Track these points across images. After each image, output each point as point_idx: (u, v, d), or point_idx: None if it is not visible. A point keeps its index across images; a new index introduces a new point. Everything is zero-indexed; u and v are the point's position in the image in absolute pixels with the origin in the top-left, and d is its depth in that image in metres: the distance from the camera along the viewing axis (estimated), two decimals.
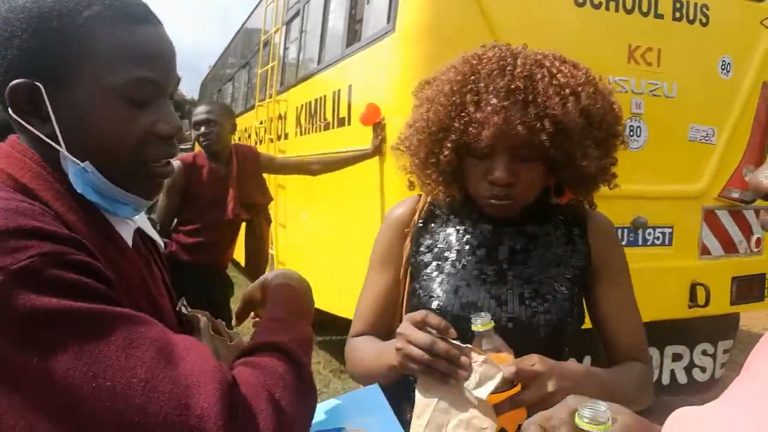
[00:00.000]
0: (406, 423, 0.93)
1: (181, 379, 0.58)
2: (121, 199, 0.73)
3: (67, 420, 0.57)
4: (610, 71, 2.43)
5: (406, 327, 0.93)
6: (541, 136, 0.98)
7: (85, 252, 0.62)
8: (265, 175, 3.26)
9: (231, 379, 0.62)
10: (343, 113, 3.45)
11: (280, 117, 5.06)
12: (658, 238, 3.00)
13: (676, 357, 3.20)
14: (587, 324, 1.18)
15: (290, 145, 4.66)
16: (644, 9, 2.84)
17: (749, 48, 3.13)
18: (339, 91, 3.54)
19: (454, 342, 0.89)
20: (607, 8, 2.74)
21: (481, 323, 0.90)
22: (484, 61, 1.05)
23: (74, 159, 0.69)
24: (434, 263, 1.13)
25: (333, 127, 3.63)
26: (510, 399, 0.87)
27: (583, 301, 1.16)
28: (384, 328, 1.17)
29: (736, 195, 3.07)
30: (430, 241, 1.16)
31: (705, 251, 3.15)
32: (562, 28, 2.60)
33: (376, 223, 2.95)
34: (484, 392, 0.86)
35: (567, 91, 1.00)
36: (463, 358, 0.87)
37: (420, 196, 1.21)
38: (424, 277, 1.13)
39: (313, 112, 4.05)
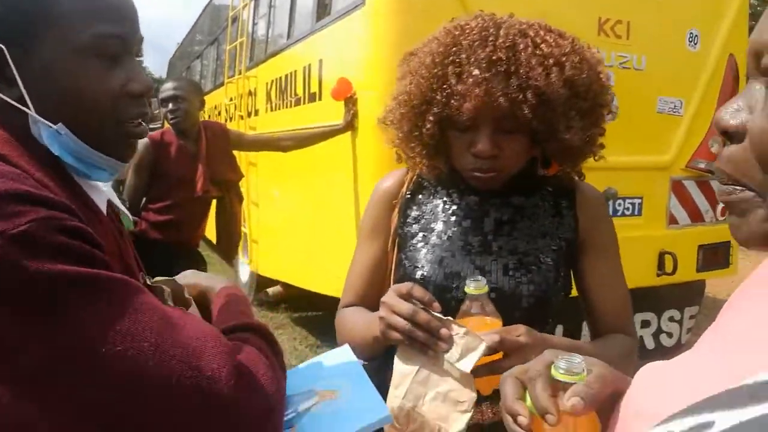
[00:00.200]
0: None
1: (188, 342, 0.60)
2: (97, 163, 0.73)
3: (74, 387, 0.57)
4: None
5: (390, 297, 0.94)
6: (523, 108, 0.96)
7: (76, 218, 0.62)
8: (236, 153, 3.22)
9: (231, 344, 0.65)
10: (314, 88, 3.41)
11: (250, 93, 4.98)
12: (628, 208, 3.06)
13: (645, 323, 3.29)
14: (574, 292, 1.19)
15: (261, 121, 4.60)
16: None
17: (716, 20, 3.17)
18: (309, 66, 3.49)
19: (437, 315, 0.90)
20: None
21: (475, 287, 0.91)
22: (467, 31, 1.03)
23: (46, 122, 0.68)
24: (420, 234, 1.13)
25: (304, 103, 3.59)
26: (489, 365, 0.88)
27: (571, 272, 1.16)
28: (373, 299, 1.16)
29: (702, 165, 3.13)
30: (418, 213, 1.16)
31: (673, 221, 3.22)
32: (533, 1, 2.60)
33: (350, 198, 2.96)
34: (467, 365, 0.86)
35: (551, 61, 0.98)
36: (443, 330, 0.88)
37: (407, 168, 1.20)
38: (410, 248, 1.13)
39: (283, 87, 4.00)
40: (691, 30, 3.09)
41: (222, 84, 5.99)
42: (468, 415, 0.88)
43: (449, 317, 0.90)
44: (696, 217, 3.27)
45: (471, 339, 0.87)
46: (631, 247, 3.34)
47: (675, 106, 3.07)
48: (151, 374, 0.58)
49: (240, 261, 5.55)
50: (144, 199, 2.87)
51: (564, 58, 1.00)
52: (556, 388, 0.59)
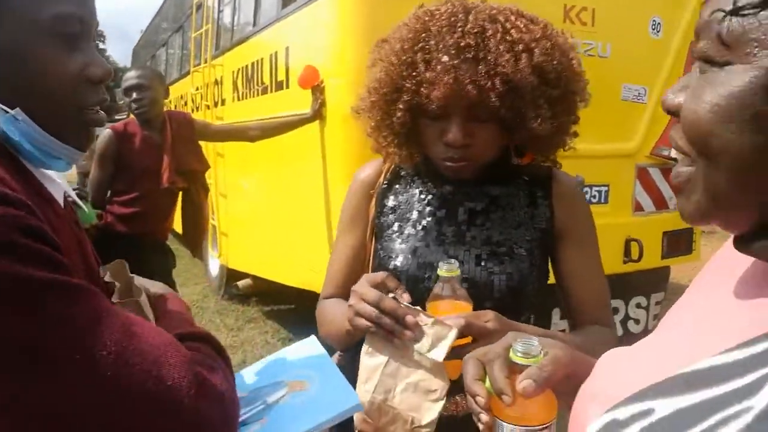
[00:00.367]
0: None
1: (148, 351, 0.59)
2: (55, 151, 0.70)
3: (28, 396, 0.54)
4: None
5: (361, 285, 0.93)
6: (490, 96, 0.95)
7: (35, 216, 0.59)
8: (202, 143, 3.16)
9: (190, 353, 0.64)
10: (281, 77, 3.36)
11: (216, 82, 4.90)
12: (594, 196, 3.09)
13: (613, 311, 3.34)
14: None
15: (228, 111, 4.53)
16: None
17: (678, 8, 3.22)
18: (276, 53, 3.44)
19: (406, 304, 0.89)
20: None
21: (447, 269, 0.91)
22: (436, 17, 1.01)
23: (2, 106, 0.65)
24: (396, 224, 1.13)
25: (271, 91, 3.54)
26: (456, 349, 0.87)
27: (548, 262, 1.15)
28: None
29: (666, 153, 3.18)
30: (395, 203, 1.15)
31: (638, 208, 3.27)
32: None
33: (319, 188, 2.93)
34: (439, 354, 0.86)
35: (520, 47, 0.96)
36: (409, 318, 0.87)
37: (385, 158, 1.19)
38: (386, 238, 1.12)
39: (250, 76, 3.94)
40: (653, 18, 3.12)
41: (188, 73, 5.88)
42: (440, 404, 0.88)
43: (418, 307, 0.89)
44: (660, 204, 3.33)
45: (440, 328, 0.86)
46: (598, 235, 3.40)
47: (639, 93, 3.11)
48: (111, 383, 0.56)
49: (209, 254, 5.48)
50: (109, 191, 2.81)
51: (534, 44, 0.98)
52: (514, 369, 0.62)
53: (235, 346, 4.14)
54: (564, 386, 0.62)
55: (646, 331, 3.45)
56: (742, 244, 0.47)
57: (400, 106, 1.03)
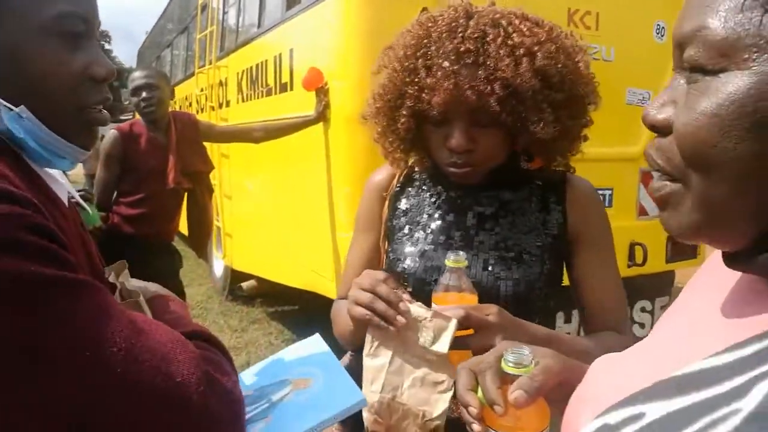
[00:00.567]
0: None
1: (157, 348, 0.60)
2: (60, 150, 0.71)
3: (40, 395, 0.54)
4: None
5: (362, 277, 0.94)
6: (490, 101, 0.94)
7: (41, 214, 0.59)
8: (207, 144, 3.17)
9: (198, 351, 0.65)
10: (286, 78, 3.37)
11: (220, 84, 4.91)
12: None
13: None
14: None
15: (232, 112, 4.54)
16: None
17: None
18: (280, 55, 3.44)
19: (405, 296, 0.90)
20: None
21: (454, 259, 0.91)
22: (438, 22, 1.01)
23: (6, 104, 0.66)
24: (407, 227, 1.13)
25: (275, 93, 3.55)
26: (456, 339, 0.87)
27: (561, 267, 1.13)
28: None
29: None
30: (407, 206, 1.15)
31: (642, 212, 3.26)
32: None
33: (323, 190, 2.93)
34: (442, 346, 0.86)
35: (521, 51, 0.95)
36: (402, 304, 0.88)
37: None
38: (397, 241, 1.13)
39: (254, 77, 3.94)
40: (658, 22, 3.11)
41: (193, 74, 5.89)
42: (449, 394, 0.88)
43: (419, 302, 0.89)
44: None
45: (440, 320, 0.86)
46: None
47: (644, 97, 3.10)
48: (120, 380, 0.56)
49: (214, 255, 5.49)
50: (115, 192, 2.82)
51: (537, 48, 0.97)
52: (506, 379, 0.63)
53: (239, 347, 4.15)
54: (556, 394, 0.62)
55: None
56: (734, 261, 0.46)
57: (404, 113, 1.04)
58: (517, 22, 1.00)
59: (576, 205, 1.10)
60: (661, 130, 0.47)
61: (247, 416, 0.74)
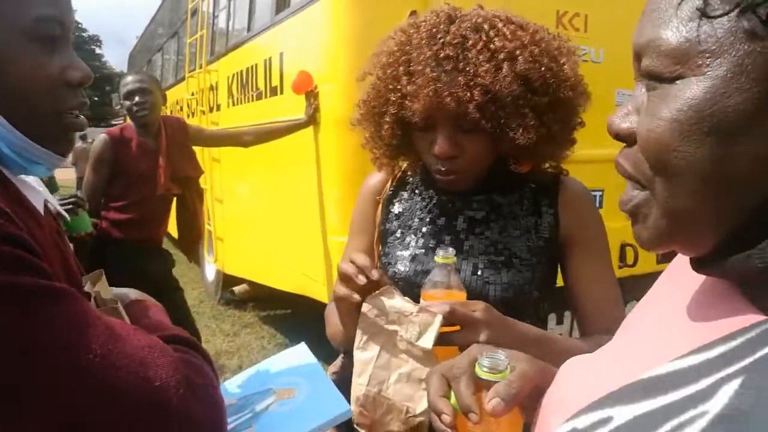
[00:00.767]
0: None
1: (135, 353, 0.59)
2: (35, 156, 0.69)
3: (17, 404, 0.54)
4: None
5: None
6: (469, 107, 0.93)
7: (13, 224, 0.58)
8: (197, 149, 3.16)
9: (176, 355, 0.64)
10: (276, 82, 3.36)
11: (211, 88, 4.89)
12: None
13: None
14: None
15: (223, 116, 4.53)
16: None
17: None
18: (270, 59, 3.44)
19: (394, 290, 0.90)
20: None
21: (442, 255, 0.91)
22: (420, 28, 1.01)
23: None
24: (399, 231, 1.13)
25: (266, 97, 3.54)
26: (441, 335, 0.87)
27: (554, 271, 1.12)
28: None
29: None
30: (399, 209, 1.16)
31: None
32: None
33: (314, 194, 2.93)
34: (427, 341, 0.86)
35: (501, 56, 0.95)
36: (375, 272, 0.88)
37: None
38: (389, 244, 1.13)
39: (244, 81, 3.94)
40: None
41: (183, 78, 5.88)
42: None
43: (406, 297, 0.90)
44: None
45: (425, 315, 0.86)
46: None
47: None
48: (99, 386, 0.56)
49: (206, 259, 5.47)
50: (103, 197, 2.80)
51: (518, 52, 0.96)
52: (480, 385, 0.60)
53: (231, 351, 4.13)
54: (530, 400, 0.61)
55: None
56: (702, 266, 0.46)
57: (387, 119, 1.04)
58: (500, 25, 0.99)
59: (568, 208, 1.09)
60: (626, 139, 0.47)
61: (231, 426, 0.74)
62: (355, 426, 0.94)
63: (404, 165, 1.17)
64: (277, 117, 3.19)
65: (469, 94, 0.93)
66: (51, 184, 2.87)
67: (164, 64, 8.54)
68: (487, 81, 0.93)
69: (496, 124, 0.96)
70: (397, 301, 0.89)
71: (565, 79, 1.00)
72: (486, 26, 0.98)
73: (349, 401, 0.89)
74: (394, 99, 1.01)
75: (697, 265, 0.47)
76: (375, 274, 0.89)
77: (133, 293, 0.88)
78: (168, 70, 8.09)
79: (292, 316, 4.75)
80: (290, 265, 3.40)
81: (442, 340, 0.87)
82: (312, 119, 2.84)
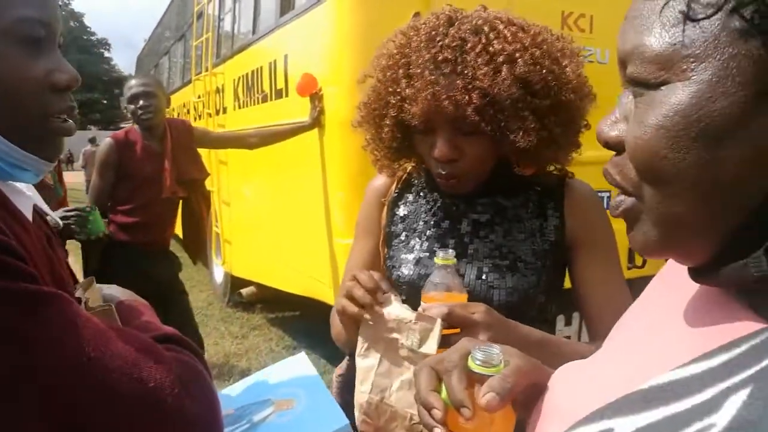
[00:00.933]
0: None
1: (127, 354, 0.59)
2: (21, 162, 0.68)
3: (9, 411, 0.53)
4: None
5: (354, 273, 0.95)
6: (467, 110, 0.92)
7: None
8: (204, 151, 3.16)
9: (168, 354, 0.64)
10: (281, 85, 3.36)
11: (217, 90, 4.91)
12: None
13: None
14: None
15: (229, 119, 4.54)
16: None
17: None
18: (275, 61, 3.44)
19: (391, 295, 0.90)
20: None
21: (442, 257, 0.90)
22: (420, 31, 1.01)
23: None
24: (404, 234, 1.13)
25: (271, 99, 3.54)
26: (444, 338, 0.85)
27: (560, 274, 1.10)
28: None
29: None
30: (404, 212, 1.15)
31: None
32: None
33: (319, 196, 2.92)
34: (431, 347, 0.85)
35: (501, 58, 0.93)
36: (380, 294, 0.88)
37: (398, 167, 1.19)
38: (394, 247, 1.13)
39: (250, 84, 3.94)
40: None
41: (190, 81, 5.90)
42: None
43: (405, 305, 0.89)
44: None
45: (425, 322, 0.86)
46: None
47: None
48: (92, 389, 0.55)
49: (214, 262, 5.49)
50: (110, 201, 2.81)
51: (518, 54, 0.94)
52: (472, 379, 0.57)
53: (240, 353, 4.14)
54: (525, 397, 0.59)
55: None
56: (699, 275, 0.45)
57: (387, 122, 1.04)
58: (501, 27, 0.98)
59: (575, 210, 1.08)
60: (615, 146, 0.47)
61: None
62: None
63: (409, 167, 1.16)
64: (283, 119, 3.19)
65: (467, 97, 0.92)
66: (55, 189, 2.89)
67: (171, 67, 8.58)
68: (485, 84, 0.92)
69: (495, 127, 0.95)
70: (396, 308, 0.88)
71: (567, 81, 0.98)
72: (486, 28, 0.97)
73: (353, 404, 0.89)
74: (393, 102, 1.00)
75: (694, 273, 0.46)
76: (380, 297, 0.88)
77: (121, 294, 0.86)
78: (175, 73, 8.12)
79: (300, 318, 4.75)
80: (296, 267, 3.40)
81: (445, 343, 0.85)
82: (316, 122, 2.84)
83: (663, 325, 0.50)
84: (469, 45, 0.95)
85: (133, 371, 0.58)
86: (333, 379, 1.25)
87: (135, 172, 2.76)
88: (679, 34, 0.40)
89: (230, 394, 0.89)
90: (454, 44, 0.95)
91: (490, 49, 0.95)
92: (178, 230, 3.26)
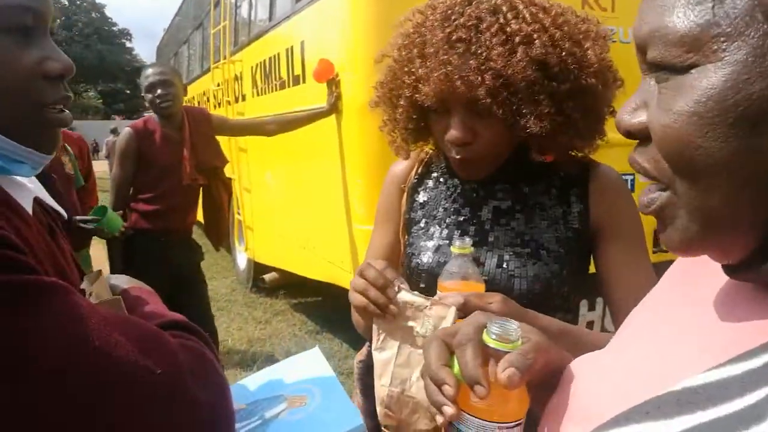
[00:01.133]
0: None
1: (132, 343, 0.58)
2: (15, 155, 0.66)
3: (15, 403, 0.53)
4: None
5: (362, 265, 0.92)
6: (479, 92, 0.89)
7: None
8: (224, 139, 3.16)
9: (175, 341, 0.63)
10: (298, 71, 3.35)
11: (236, 78, 4.91)
12: None
13: None
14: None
15: (248, 106, 4.54)
16: None
17: None
18: (292, 48, 3.42)
19: (402, 287, 0.88)
20: None
21: (459, 245, 0.88)
22: (437, 9, 0.98)
23: None
24: (423, 221, 1.11)
25: (288, 86, 3.53)
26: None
27: (585, 262, 1.08)
28: None
29: None
30: (424, 198, 1.13)
31: None
32: None
33: (338, 182, 2.92)
34: None
35: (517, 39, 0.90)
36: (390, 290, 0.86)
37: (419, 152, 1.17)
38: (413, 234, 1.11)
39: (268, 71, 3.94)
40: None
41: (209, 69, 5.91)
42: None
43: (415, 291, 0.88)
44: None
45: (439, 308, 0.84)
46: None
47: None
48: (100, 379, 0.55)
49: (237, 248, 5.54)
50: (131, 189, 2.84)
51: (536, 35, 0.91)
52: (487, 355, 0.53)
53: (263, 338, 4.19)
54: (541, 377, 0.56)
55: None
56: (734, 271, 0.42)
57: (402, 102, 1.02)
58: (521, 7, 0.94)
59: (599, 196, 1.04)
60: (639, 135, 0.43)
61: None
62: (382, 428, 0.92)
63: (430, 151, 1.14)
64: (301, 106, 3.18)
65: (479, 78, 0.90)
66: (76, 178, 2.93)
67: (190, 56, 8.61)
68: (499, 65, 0.89)
69: (507, 110, 0.92)
70: (407, 295, 0.87)
71: (588, 65, 0.94)
72: (505, 8, 0.94)
73: (374, 393, 0.88)
74: (408, 82, 0.99)
75: (729, 270, 0.43)
76: (390, 293, 0.86)
77: (127, 282, 0.85)
78: (194, 61, 8.14)
79: (323, 303, 4.78)
80: (317, 253, 3.41)
81: None
82: (334, 107, 2.83)
83: (688, 320, 0.47)
84: (484, 24, 0.92)
85: (140, 359, 0.57)
86: (354, 364, 1.25)
87: (155, 160, 2.78)
88: (706, 12, 0.37)
89: (243, 387, 0.89)
90: (470, 23, 0.93)
91: (507, 29, 0.92)
92: (200, 217, 3.29)
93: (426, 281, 1.04)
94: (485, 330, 0.54)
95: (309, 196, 3.53)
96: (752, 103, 0.35)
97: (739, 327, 0.42)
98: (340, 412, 0.79)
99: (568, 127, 0.95)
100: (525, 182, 1.07)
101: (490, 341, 0.53)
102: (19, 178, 0.71)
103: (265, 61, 3.99)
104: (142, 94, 2.82)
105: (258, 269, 5.01)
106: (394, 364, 0.89)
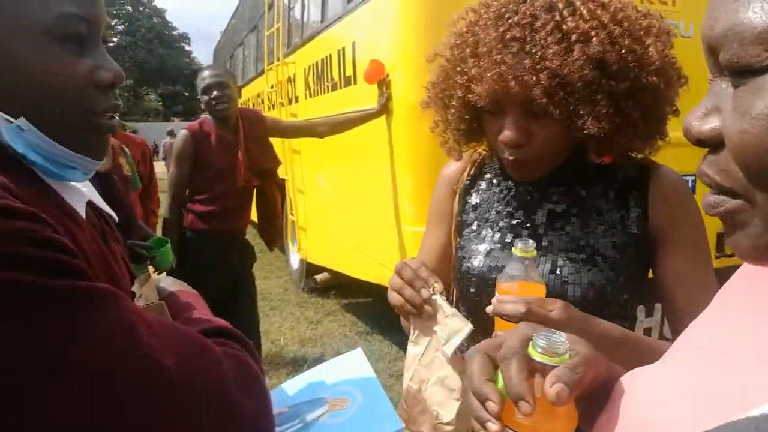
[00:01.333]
0: None
1: (179, 351, 0.58)
2: (67, 161, 0.67)
3: (60, 410, 0.53)
4: None
5: (399, 264, 0.94)
6: (535, 92, 0.86)
7: (50, 228, 0.57)
8: (277, 141, 3.20)
9: (220, 350, 0.64)
10: (349, 72, 3.36)
11: (289, 80, 4.98)
12: None
13: None
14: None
15: (301, 108, 4.60)
16: None
17: None
18: (343, 49, 3.44)
19: (434, 282, 0.90)
20: None
21: (521, 248, 0.84)
22: (490, 8, 0.96)
23: (5, 116, 0.62)
24: (475, 224, 1.09)
25: (340, 87, 3.55)
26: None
27: (644, 269, 1.03)
28: None
29: None
30: (477, 200, 1.11)
31: None
32: None
33: (388, 183, 2.91)
34: (449, 348, 0.85)
35: (573, 37, 0.87)
36: (424, 291, 0.88)
37: (472, 153, 1.16)
38: (465, 237, 1.09)
39: (320, 72, 3.97)
40: None
41: (263, 71, 6.01)
42: (458, 404, 0.86)
43: (440, 295, 0.89)
44: None
45: (457, 321, 0.84)
46: None
47: None
48: (145, 385, 0.55)
49: (290, 248, 5.62)
50: (187, 190, 2.90)
51: (594, 33, 0.87)
52: (533, 369, 0.51)
53: (315, 338, 4.23)
54: (591, 392, 0.53)
55: None
56: None
57: (454, 103, 1.00)
58: (578, 4, 0.91)
59: (660, 200, 0.99)
60: (710, 142, 0.40)
61: None
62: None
63: (482, 153, 1.12)
64: (352, 107, 3.19)
65: (534, 77, 0.87)
66: (133, 180, 3.00)
67: (245, 58, 8.79)
68: (554, 64, 0.86)
69: (564, 110, 0.89)
70: (439, 299, 0.88)
71: (649, 62, 0.89)
72: (561, 5, 0.91)
73: None
74: (460, 82, 0.97)
75: None
76: (425, 293, 0.88)
77: (172, 285, 0.86)
78: (249, 63, 8.31)
79: (373, 304, 4.79)
80: (367, 254, 3.41)
81: (464, 347, 0.84)
82: (384, 108, 2.82)
83: (756, 335, 0.43)
84: (540, 23, 0.89)
85: (185, 367, 0.57)
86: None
87: (210, 162, 2.82)
88: None
89: (285, 390, 0.88)
90: (524, 22, 0.90)
91: (563, 27, 0.88)
92: (254, 218, 3.34)
93: (476, 285, 1.02)
94: (531, 343, 0.52)
95: (360, 198, 3.54)
96: None
97: None
98: (379, 416, 0.78)
99: (626, 127, 0.91)
100: (581, 185, 1.03)
101: (536, 355, 0.51)
102: (72, 183, 0.72)
103: (317, 62, 4.03)
104: (198, 96, 2.88)
105: (310, 270, 5.07)
106: (419, 362, 0.91)
